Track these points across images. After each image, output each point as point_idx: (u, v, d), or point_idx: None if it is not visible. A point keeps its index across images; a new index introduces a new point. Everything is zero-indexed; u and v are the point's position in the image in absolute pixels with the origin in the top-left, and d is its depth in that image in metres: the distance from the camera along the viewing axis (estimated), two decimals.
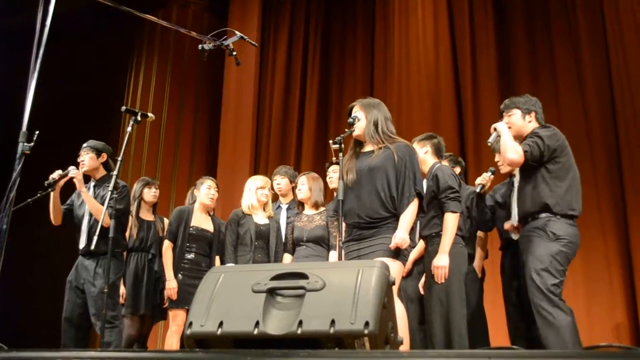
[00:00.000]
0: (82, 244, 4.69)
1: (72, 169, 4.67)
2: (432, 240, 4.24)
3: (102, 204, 4.48)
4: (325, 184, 5.26)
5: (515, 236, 4.46)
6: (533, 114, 4.00)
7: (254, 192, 5.10)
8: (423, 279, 4.43)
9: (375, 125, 3.80)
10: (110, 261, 4.21)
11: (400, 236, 3.52)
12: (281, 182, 5.41)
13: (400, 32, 7.85)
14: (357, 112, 3.85)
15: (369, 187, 3.68)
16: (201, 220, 5.15)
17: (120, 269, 4.84)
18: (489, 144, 4.15)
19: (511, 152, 3.78)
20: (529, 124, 3.99)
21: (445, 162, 4.71)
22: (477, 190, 4.60)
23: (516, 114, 4.01)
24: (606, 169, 6.38)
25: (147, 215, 5.50)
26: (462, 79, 7.37)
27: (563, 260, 3.66)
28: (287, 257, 4.96)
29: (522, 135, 3.97)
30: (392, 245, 3.52)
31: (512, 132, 3.94)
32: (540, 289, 3.59)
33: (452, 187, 4.15)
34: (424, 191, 3.91)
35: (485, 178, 4.65)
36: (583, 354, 1.55)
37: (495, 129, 3.98)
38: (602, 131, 6.49)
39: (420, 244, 4.57)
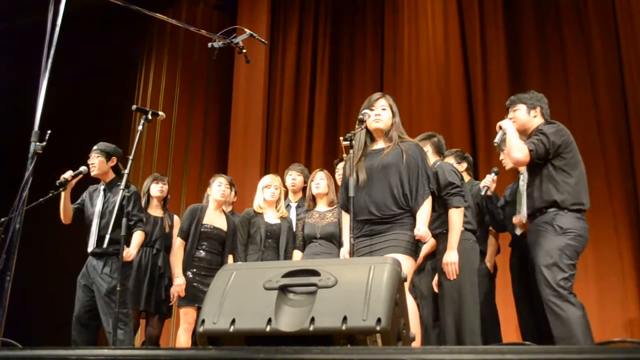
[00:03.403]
0: (90, 246, 4.73)
1: (83, 169, 4.73)
2: (442, 237, 4.24)
3: (113, 208, 4.52)
4: (334, 180, 5.25)
5: (519, 231, 4.46)
6: (538, 109, 4.02)
7: (261, 192, 5.11)
8: (437, 278, 4.42)
9: (398, 124, 3.85)
10: (119, 262, 4.24)
11: (423, 230, 3.55)
12: (297, 178, 5.41)
13: (409, 28, 7.84)
14: (385, 106, 3.85)
15: (382, 183, 3.69)
16: (214, 218, 5.14)
17: (129, 270, 4.86)
18: (495, 144, 4.16)
19: (516, 152, 3.80)
20: (534, 118, 4.01)
21: (450, 159, 4.73)
22: (482, 193, 4.62)
23: (521, 109, 4.04)
24: (618, 164, 6.33)
25: (155, 211, 5.52)
26: (472, 75, 7.34)
27: (572, 254, 3.65)
28: (297, 254, 4.95)
29: (527, 130, 3.99)
30: (416, 237, 3.56)
31: (517, 127, 3.96)
32: (549, 283, 3.58)
33: (452, 183, 4.15)
34: None
35: (488, 180, 4.67)
36: (596, 349, 1.54)
37: (500, 127, 3.98)
38: (614, 125, 6.44)
39: (432, 240, 4.56)
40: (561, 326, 3.52)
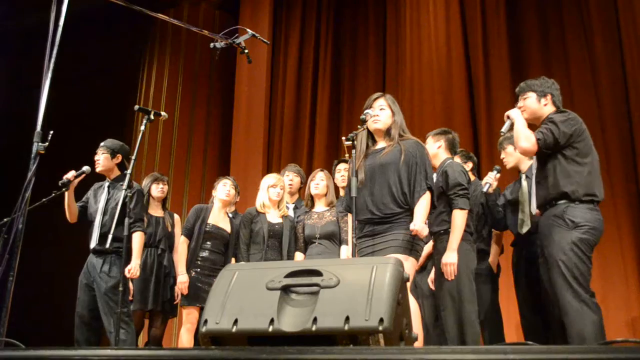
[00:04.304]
0: (93, 242, 4.73)
1: (86, 169, 4.73)
2: (441, 237, 4.22)
3: (116, 205, 4.53)
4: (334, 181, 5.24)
5: (524, 230, 4.43)
6: (549, 97, 3.88)
7: (266, 191, 5.10)
8: (432, 274, 4.42)
9: (399, 123, 3.85)
10: (120, 260, 4.24)
11: (419, 225, 3.53)
12: (294, 179, 5.41)
13: (411, 27, 7.83)
14: (384, 105, 3.86)
15: (381, 182, 3.69)
16: (218, 219, 5.15)
17: None
18: (502, 133, 4.07)
19: (523, 141, 3.69)
20: (545, 107, 3.87)
21: (457, 159, 4.71)
22: (484, 190, 4.59)
23: (531, 97, 3.90)
24: (621, 162, 6.32)
25: (156, 210, 5.52)
26: (474, 73, 7.33)
27: (586, 248, 3.52)
28: (298, 256, 4.95)
29: (539, 118, 3.87)
30: (413, 232, 3.53)
31: (527, 115, 3.86)
32: (567, 280, 3.46)
33: (461, 184, 4.13)
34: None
35: (491, 177, 4.64)
36: (599, 349, 1.54)
37: (508, 117, 3.89)
38: (616, 123, 6.43)
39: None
40: (573, 325, 3.41)
